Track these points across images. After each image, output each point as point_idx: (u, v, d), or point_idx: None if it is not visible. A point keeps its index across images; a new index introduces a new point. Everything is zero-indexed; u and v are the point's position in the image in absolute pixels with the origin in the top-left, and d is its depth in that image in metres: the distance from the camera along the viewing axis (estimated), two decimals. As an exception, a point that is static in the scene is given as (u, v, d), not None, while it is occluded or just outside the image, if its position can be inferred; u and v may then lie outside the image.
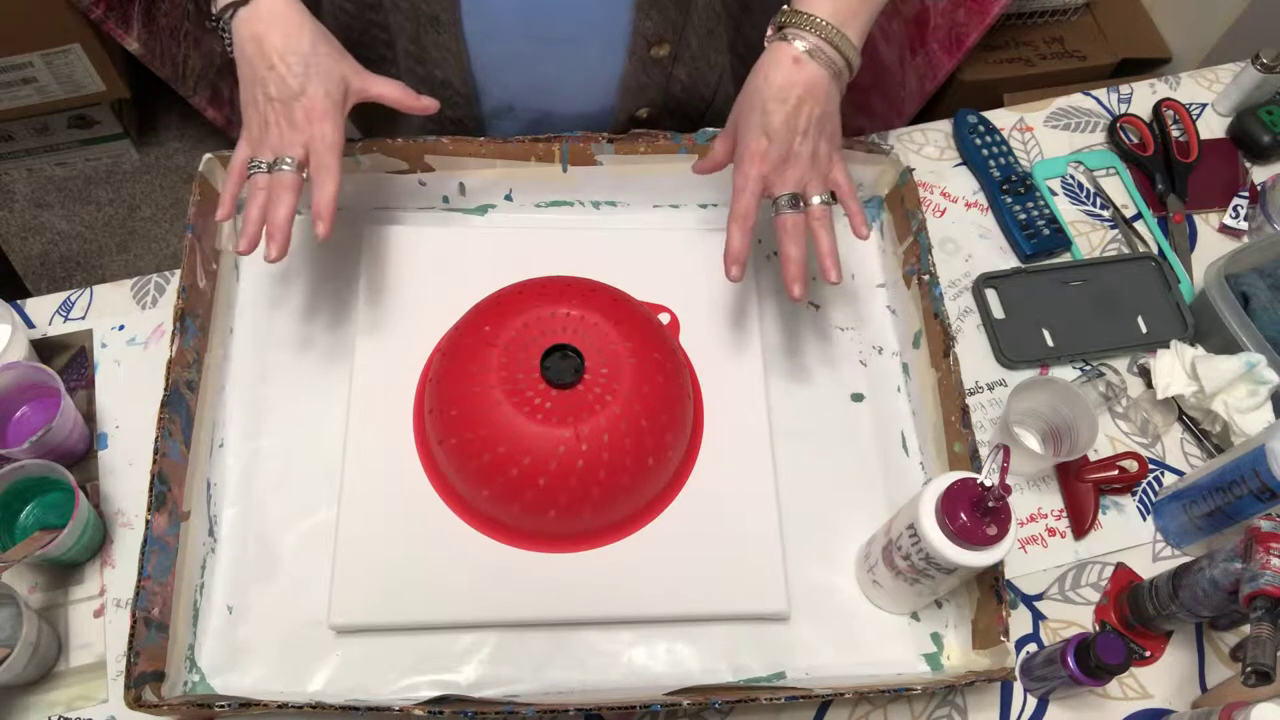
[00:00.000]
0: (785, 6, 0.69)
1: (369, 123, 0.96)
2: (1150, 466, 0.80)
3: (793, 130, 0.67)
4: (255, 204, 0.66)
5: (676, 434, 0.72)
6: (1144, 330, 0.86)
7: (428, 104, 0.72)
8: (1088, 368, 0.85)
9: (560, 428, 0.66)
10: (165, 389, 0.69)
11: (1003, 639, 0.65)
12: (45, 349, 0.80)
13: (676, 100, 0.84)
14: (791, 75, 0.67)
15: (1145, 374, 0.84)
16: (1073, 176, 0.96)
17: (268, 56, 0.66)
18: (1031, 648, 0.74)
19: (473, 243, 0.83)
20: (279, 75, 0.66)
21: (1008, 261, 0.90)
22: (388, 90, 0.71)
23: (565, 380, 0.68)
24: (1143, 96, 1.01)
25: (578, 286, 0.73)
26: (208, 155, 0.78)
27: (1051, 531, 0.78)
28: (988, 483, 0.58)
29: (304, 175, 0.67)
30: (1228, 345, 0.81)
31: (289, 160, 0.66)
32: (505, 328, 0.70)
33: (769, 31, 0.69)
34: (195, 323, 0.73)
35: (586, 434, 0.66)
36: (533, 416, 0.66)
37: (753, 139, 0.68)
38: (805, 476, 0.76)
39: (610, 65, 0.79)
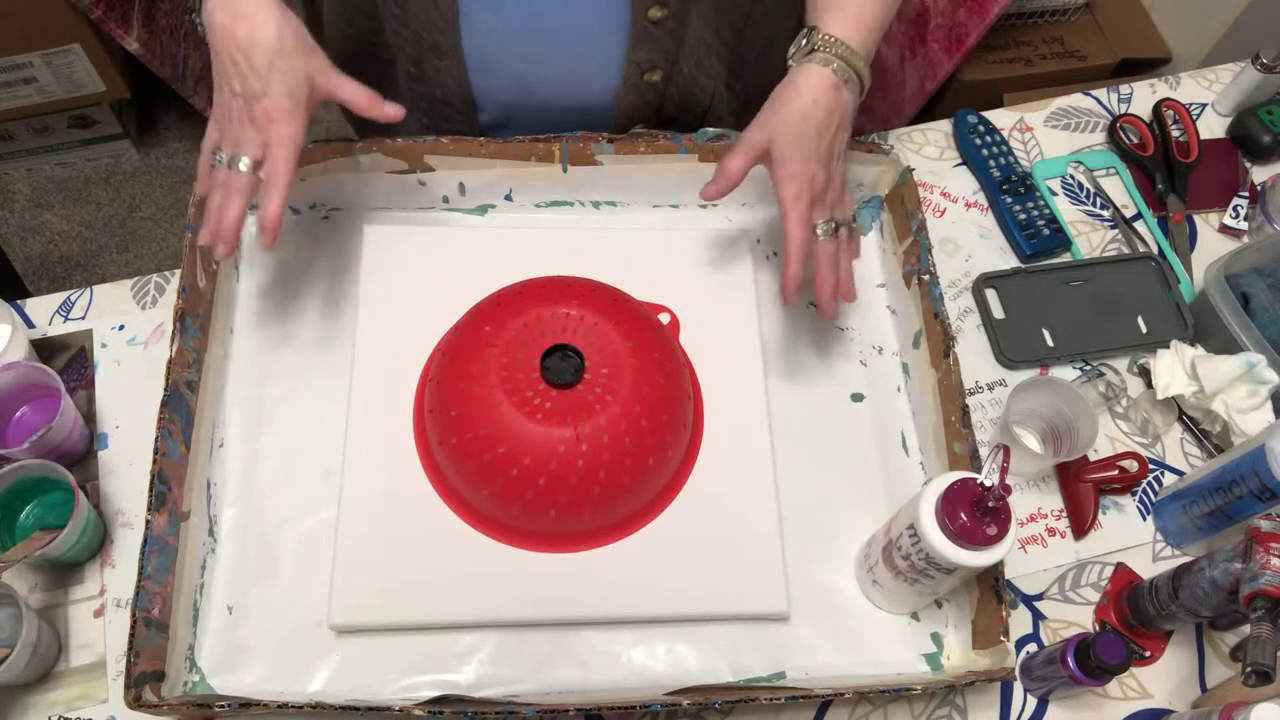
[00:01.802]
0: (813, 29, 0.70)
1: (364, 124, 0.96)
2: (1150, 466, 0.80)
3: (832, 156, 0.70)
4: (214, 198, 0.67)
5: (676, 434, 0.72)
6: (1144, 330, 0.86)
7: (392, 112, 0.69)
8: (1088, 368, 0.85)
9: (560, 428, 0.66)
10: (165, 389, 0.69)
11: (1003, 639, 0.65)
12: (45, 349, 0.80)
13: (670, 116, 0.85)
14: (834, 102, 0.69)
15: (1145, 374, 0.84)
16: (1073, 176, 0.96)
17: (232, 51, 0.64)
18: (1031, 648, 0.74)
19: (473, 243, 0.83)
20: (242, 72, 0.65)
21: (1008, 261, 0.90)
22: (354, 95, 0.69)
23: (565, 380, 0.68)
24: (1143, 96, 1.01)
25: (578, 286, 0.73)
26: (208, 155, 0.78)
27: (1051, 531, 0.78)
28: (988, 483, 0.58)
29: (260, 175, 0.66)
30: (1228, 345, 0.81)
31: (245, 161, 0.65)
32: (505, 328, 0.70)
33: (797, 48, 0.70)
34: (195, 323, 0.73)
35: (586, 434, 0.66)
36: (533, 416, 0.66)
37: (801, 166, 0.69)
38: (805, 476, 0.76)
39: (605, 86, 0.80)
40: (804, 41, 0.70)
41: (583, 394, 0.68)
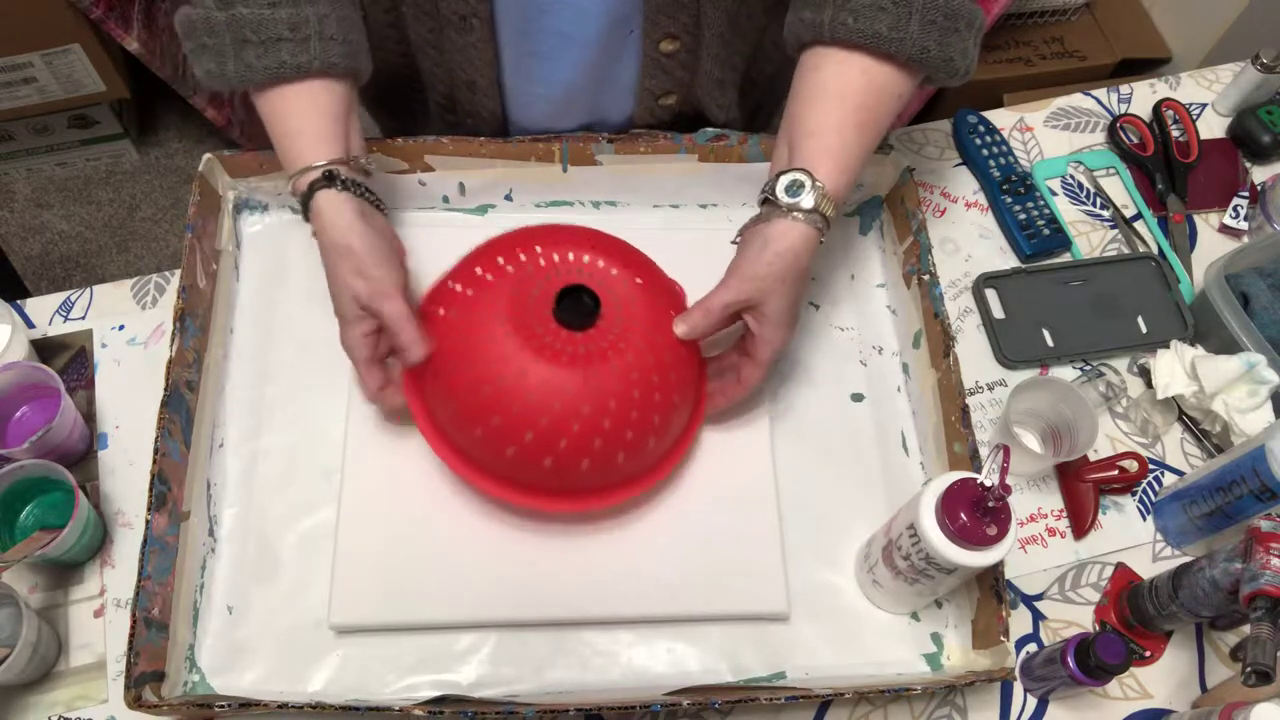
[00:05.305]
0: (801, 172, 0.65)
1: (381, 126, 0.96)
2: (1150, 466, 0.80)
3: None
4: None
5: (684, 396, 0.70)
6: (1144, 330, 0.86)
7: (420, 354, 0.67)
8: (1088, 368, 0.85)
9: (569, 369, 0.64)
10: (165, 389, 0.69)
11: (1003, 639, 0.65)
12: (45, 349, 0.80)
13: (683, 128, 0.85)
14: (813, 256, 0.67)
15: (1145, 374, 0.84)
16: (1073, 176, 0.96)
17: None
18: (1031, 648, 0.74)
19: (473, 243, 0.82)
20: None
21: (1008, 261, 0.90)
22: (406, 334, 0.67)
23: (578, 322, 0.65)
24: (1143, 96, 1.01)
25: (598, 236, 0.72)
26: (207, 155, 0.78)
27: (1051, 531, 0.78)
28: (988, 483, 0.58)
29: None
30: (1228, 345, 0.81)
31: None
32: (522, 263, 0.68)
33: (787, 190, 0.65)
34: (195, 323, 0.73)
35: (595, 379, 0.64)
36: (540, 353, 0.64)
37: (788, 331, 0.69)
38: (805, 476, 0.76)
39: (623, 109, 0.82)
40: (795, 188, 0.65)
41: (596, 339, 0.65)
